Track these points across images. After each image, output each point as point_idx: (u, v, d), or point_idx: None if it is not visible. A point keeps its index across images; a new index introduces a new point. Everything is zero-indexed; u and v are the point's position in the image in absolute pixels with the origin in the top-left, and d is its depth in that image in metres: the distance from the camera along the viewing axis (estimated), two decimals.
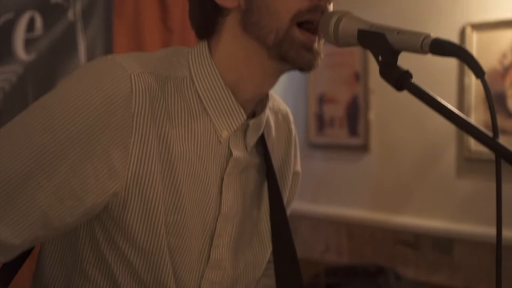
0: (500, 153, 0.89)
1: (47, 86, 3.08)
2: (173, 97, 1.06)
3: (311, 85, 3.57)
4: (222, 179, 1.11)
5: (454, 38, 3.06)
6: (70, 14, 3.14)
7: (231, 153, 1.11)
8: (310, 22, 1.05)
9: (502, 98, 2.86)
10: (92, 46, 3.21)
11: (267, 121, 1.21)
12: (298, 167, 1.31)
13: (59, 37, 3.11)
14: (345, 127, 3.46)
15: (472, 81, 2.95)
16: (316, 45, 1.07)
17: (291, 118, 1.30)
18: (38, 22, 3.04)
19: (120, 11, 3.33)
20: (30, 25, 3.02)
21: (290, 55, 1.06)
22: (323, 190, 3.62)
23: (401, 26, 3.17)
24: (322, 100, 3.54)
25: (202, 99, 1.08)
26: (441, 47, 0.96)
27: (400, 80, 1.02)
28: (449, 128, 2.94)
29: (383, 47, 1.02)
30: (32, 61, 3.04)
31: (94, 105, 0.99)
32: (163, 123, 1.04)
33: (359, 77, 3.35)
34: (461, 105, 3.00)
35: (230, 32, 1.09)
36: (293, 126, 1.29)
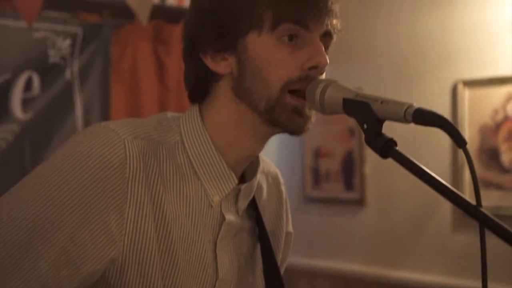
0: (483, 222, 0.90)
1: (44, 144, 3.10)
2: (165, 162, 1.08)
3: (306, 139, 3.59)
4: (215, 244, 1.12)
5: (446, 94, 3.10)
6: (68, 74, 3.18)
7: (223, 218, 1.12)
8: (300, 90, 1.08)
9: (495, 153, 2.89)
10: (89, 105, 3.24)
11: (258, 184, 1.22)
12: (290, 228, 1.32)
13: (56, 96, 3.14)
14: (341, 181, 3.48)
15: (466, 134, 2.97)
16: (306, 109, 1.09)
17: (281, 179, 1.31)
18: (36, 81, 3.08)
19: (117, 70, 3.37)
20: (28, 85, 3.06)
21: (282, 120, 1.08)
22: (319, 244, 3.61)
23: (395, 82, 3.23)
24: (317, 154, 3.56)
25: (193, 163, 1.09)
26: (423, 117, 0.97)
27: (385, 148, 1.03)
28: (446, 182, 2.95)
29: (368, 116, 1.03)
30: (29, 120, 3.07)
31: (89, 172, 1.00)
32: (157, 187, 1.05)
33: (354, 132, 3.38)
34: (454, 160, 3.02)
35: (222, 96, 1.11)
36: (283, 188, 1.30)
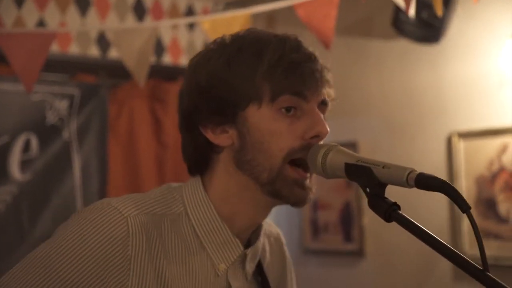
0: (491, 286, 0.91)
1: (42, 205, 3.09)
2: (169, 234, 1.08)
3: None
4: None
5: (441, 146, 3.12)
6: (65, 134, 3.20)
7: (229, 286, 1.12)
8: (302, 159, 1.09)
9: (492, 203, 2.91)
10: (87, 164, 3.26)
11: (262, 245, 1.23)
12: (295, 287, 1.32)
13: (54, 156, 3.16)
14: (339, 233, 3.47)
15: (463, 185, 2.99)
16: (308, 181, 1.11)
17: (283, 240, 1.32)
18: (34, 143, 3.10)
19: (115, 129, 3.40)
20: (26, 146, 3.08)
21: (284, 192, 1.09)
22: None
23: (390, 135, 3.24)
24: (316, 206, 3.57)
25: (198, 233, 1.10)
26: (425, 183, 0.99)
27: (389, 212, 1.05)
28: (444, 232, 2.96)
29: (370, 180, 1.04)
30: (28, 181, 3.08)
31: (91, 250, 1.01)
32: (160, 262, 1.06)
33: (350, 184, 3.39)
34: (452, 210, 3.02)
35: (223, 168, 1.12)
36: (285, 248, 1.31)
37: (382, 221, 3.47)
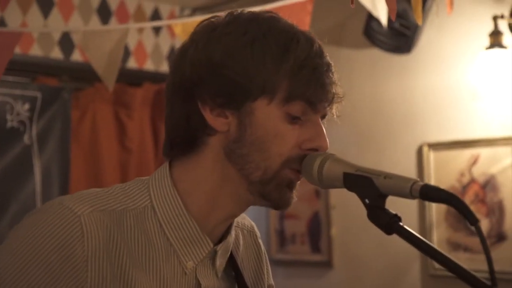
0: None
1: (1, 210, 2.99)
2: (132, 231, 1.02)
3: None
4: None
5: (411, 156, 3.12)
6: (26, 138, 3.10)
7: (199, 284, 1.06)
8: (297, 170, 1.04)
9: None
10: (48, 169, 3.16)
11: (236, 239, 1.17)
12: (271, 280, 1.26)
13: (14, 161, 3.06)
14: (307, 243, 3.44)
15: None
16: (297, 183, 1.06)
17: (258, 232, 1.25)
18: None
19: (77, 133, 3.31)
20: None
21: (273, 195, 1.04)
22: None
23: (359, 146, 3.23)
24: (282, 216, 3.52)
25: (164, 228, 1.03)
26: (431, 195, 0.95)
27: (390, 224, 1.00)
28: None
29: (370, 191, 1.01)
30: None
31: (44, 253, 0.95)
32: (122, 260, 1.00)
33: (320, 194, 3.36)
34: (422, 222, 3.02)
35: (210, 153, 1.04)
36: (260, 241, 1.25)
37: (351, 232, 3.49)
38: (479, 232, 0.91)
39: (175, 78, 1.05)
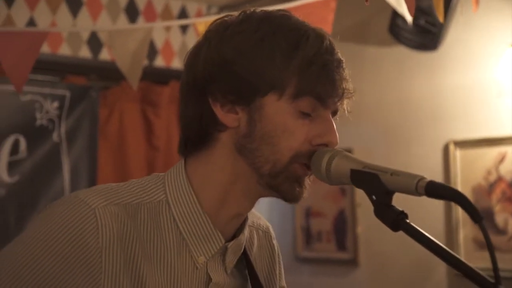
0: None
1: (30, 207, 3.05)
2: (145, 225, 1.04)
3: None
4: None
5: (437, 154, 3.09)
6: (55, 136, 3.15)
7: (210, 278, 1.08)
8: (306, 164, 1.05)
9: (489, 214, 2.88)
10: (76, 166, 3.21)
11: (249, 238, 1.18)
12: (283, 283, 1.27)
13: (43, 158, 3.11)
14: (333, 241, 3.44)
15: None
16: (307, 179, 1.07)
17: (273, 233, 1.26)
18: (22, 144, 3.04)
19: (105, 131, 3.35)
20: (15, 148, 3.02)
21: (283, 187, 1.05)
22: None
23: (386, 143, 3.20)
24: (308, 213, 3.53)
25: (178, 224, 1.05)
26: (436, 191, 0.95)
27: (396, 221, 1.01)
28: (440, 242, 2.92)
29: (377, 187, 1.01)
30: (15, 183, 3.03)
31: (59, 246, 0.98)
32: (135, 253, 1.02)
33: (345, 191, 3.35)
34: (448, 220, 2.99)
35: (221, 149, 1.06)
36: (275, 242, 1.26)
37: (376, 230, 3.47)
38: (483, 229, 0.92)
39: (189, 77, 1.07)
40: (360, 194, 3.35)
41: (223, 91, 1.04)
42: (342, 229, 3.39)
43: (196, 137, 1.07)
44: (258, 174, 1.04)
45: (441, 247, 0.97)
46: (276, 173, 1.04)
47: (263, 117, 1.03)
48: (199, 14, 3.65)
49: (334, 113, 1.09)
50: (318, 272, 3.53)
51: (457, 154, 3.00)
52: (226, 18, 1.09)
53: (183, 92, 1.09)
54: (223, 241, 1.07)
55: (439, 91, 3.10)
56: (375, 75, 3.33)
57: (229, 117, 1.05)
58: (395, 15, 2.92)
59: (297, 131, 1.03)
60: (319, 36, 1.05)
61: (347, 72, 1.07)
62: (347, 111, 1.11)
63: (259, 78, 1.03)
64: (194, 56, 1.07)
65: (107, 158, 3.34)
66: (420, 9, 2.67)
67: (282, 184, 1.04)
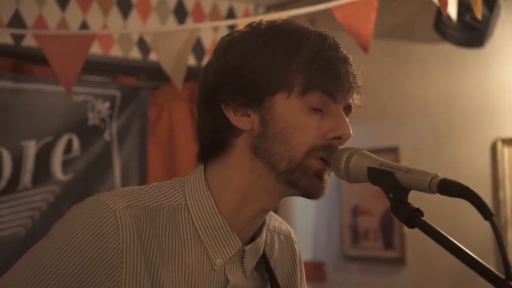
0: None
1: None
2: (164, 227, 1.07)
3: (344, 198, 3.57)
4: None
5: (485, 152, 3.05)
6: (106, 135, 3.25)
7: (227, 281, 1.10)
8: (324, 159, 1.07)
9: None
10: (127, 165, 3.30)
11: (270, 242, 1.21)
12: (304, 286, 1.29)
13: (95, 157, 3.21)
14: (380, 240, 3.42)
15: (507, 192, 2.91)
16: (326, 174, 1.09)
17: (294, 238, 1.29)
18: (76, 143, 3.15)
19: (154, 130, 3.43)
20: (68, 147, 3.13)
21: (301, 183, 1.07)
22: None
23: (433, 141, 3.15)
24: (355, 212, 3.53)
25: (196, 226, 1.08)
26: (448, 189, 0.96)
27: (411, 218, 1.02)
28: (488, 240, 2.88)
29: (393, 185, 1.02)
30: (69, 180, 3.13)
31: (81, 247, 1.01)
32: (153, 254, 1.05)
33: None
34: (497, 219, 2.93)
35: (239, 152, 1.10)
36: (297, 246, 1.28)
37: None
38: (493, 226, 0.92)
39: (201, 89, 1.12)
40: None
41: (233, 96, 1.07)
42: (389, 227, 3.38)
43: (212, 144, 1.11)
44: (275, 172, 1.07)
45: (455, 244, 0.97)
46: (292, 169, 1.06)
47: (274, 116, 1.06)
48: (246, 14, 3.70)
49: (347, 108, 1.11)
50: (366, 271, 3.52)
51: (505, 152, 2.95)
52: (233, 33, 1.13)
53: (197, 104, 1.13)
54: (240, 244, 1.10)
55: (486, 88, 3.06)
56: (421, 73, 3.30)
57: (242, 120, 1.08)
58: (440, 12, 2.89)
59: (309, 126, 1.06)
60: (322, 36, 1.08)
61: (355, 68, 1.09)
62: (359, 106, 1.12)
63: (266, 79, 1.06)
64: (205, 71, 1.12)
65: (157, 156, 3.41)
66: (465, 5, 2.63)
67: (300, 179, 1.07)
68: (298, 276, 1.27)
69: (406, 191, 1.02)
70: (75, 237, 1.02)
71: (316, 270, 3.67)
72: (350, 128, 1.09)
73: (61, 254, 1.02)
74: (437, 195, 0.99)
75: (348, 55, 1.09)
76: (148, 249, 1.05)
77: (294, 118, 1.06)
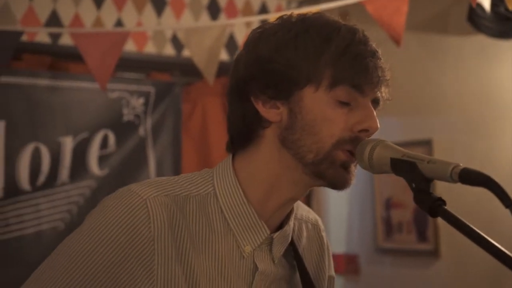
0: None
1: None
2: (194, 215, 1.10)
3: (377, 190, 3.56)
4: None
5: None
6: (141, 131, 3.30)
7: (256, 267, 1.13)
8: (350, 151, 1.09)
9: None
10: (161, 159, 3.35)
11: (298, 231, 1.23)
12: (332, 272, 1.31)
13: (130, 152, 3.27)
14: (413, 232, 3.41)
15: None
16: (353, 165, 1.11)
17: (322, 226, 1.31)
18: (111, 139, 3.21)
19: (188, 126, 3.48)
20: (104, 143, 3.20)
21: (328, 174, 1.09)
22: None
23: (467, 134, 3.12)
24: (389, 205, 3.52)
25: (225, 215, 1.11)
26: (469, 177, 0.97)
27: (433, 207, 1.03)
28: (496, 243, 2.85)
29: (415, 175, 1.04)
30: (105, 175, 3.20)
31: (113, 236, 1.04)
32: (184, 242, 1.08)
33: None
34: None
35: (267, 143, 1.12)
36: (324, 234, 1.30)
37: None
38: None
39: (232, 81, 1.14)
40: (441, 185, 3.31)
41: (263, 88, 1.09)
42: (423, 219, 3.36)
43: (242, 135, 1.13)
44: (302, 163, 1.09)
45: (480, 235, 0.99)
46: (319, 160, 1.08)
47: (303, 109, 1.08)
48: (279, 9, 3.72)
49: (375, 102, 1.12)
50: (399, 264, 3.52)
51: None
52: (264, 25, 1.15)
53: (227, 96, 1.16)
54: (268, 232, 1.12)
55: None
56: (455, 65, 3.28)
57: (271, 112, 1.10)
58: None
59: (337, 119, 1.07)
60: (351, 29, 1.10)
61: (383, 62, 1.11)
62: (387, 99, 1.13)
63: (295, 72, 1.08)
64: (236, 64, 1.14)
65: (190, 151, 3.46)
66: None
67: (327, 170, 1.08)
68: (326, 263, 1.29)
69: (428, 181, 1.03)
70: (108, 227, 1.05)
71: (349, 262, 3.68)
72: (378, 120, 1.10)
73: (94, 243, 1.05)
74: (471, 188, 1.00)
75: (377, 49, 1.11)
76: (179, 237, 1.07)
77: (322, 111, 1.08)
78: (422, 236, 3.38)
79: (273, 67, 1.09)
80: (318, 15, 1.13)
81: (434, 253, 3.32)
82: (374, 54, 1.09)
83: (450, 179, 1.00)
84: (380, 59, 1.10)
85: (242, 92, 1.12)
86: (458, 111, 3.28)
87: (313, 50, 1.08)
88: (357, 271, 3.68)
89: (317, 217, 1.31)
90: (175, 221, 1.08)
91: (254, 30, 1.15)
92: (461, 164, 0.99)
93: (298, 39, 1.09)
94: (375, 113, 1.10)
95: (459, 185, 1.03)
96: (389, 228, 3.52)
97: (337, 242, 3.63)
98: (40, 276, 1.07)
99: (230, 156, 1.16)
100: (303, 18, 1.12)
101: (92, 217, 1.08)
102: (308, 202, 3.50)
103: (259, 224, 1.12)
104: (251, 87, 1.11)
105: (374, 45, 1.11)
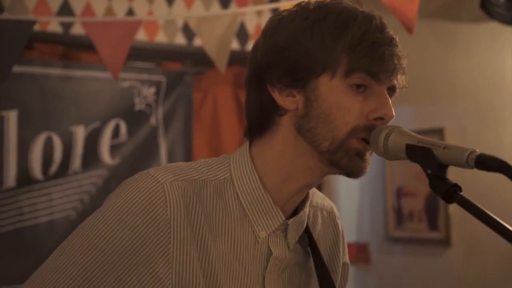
0: None
1: None
2: (210, 200, 1.11)
3: (388, 179, 3.56)
4: (264, 278, 1.14)
5: None
6: (153, 120, 3.31)
7: (271, 252, 1.14)
8: (365, 139, 1.10)
9: None
10: (173, 149, 3.36)
11: (313, 218, 1.24)
12: (347, 259, 1.32)
13: (142, 141, 3.28)
14: (424, 221, 3.42)
15: None
16: (368, 153, 1.11)
17: (337, 213, 1.32)
18: (123, 128, 3.23)
19: (199, 115, 3.48)
20: (115, 132, 3.21)
21: (343, 162, 1.10)
22: (403, 285, 3.53)
23: (479, 122, 3.12)
24: (400, 193, 3.52)
25: (241, 199, 1.12)
26: (485, 163, 0.97)
27: (449, 193, 1.03)
28: None
29: (431, 161, 1.03)
30: (117, 164, 3.21)
31: (131, 218, 1.06)
32: (200, 225, 1.09)
33: None
34: None
35: (283, 131, 1.13)
36: (339, 221, 1.31)
37: None
38: None
39: (249, 69, 1.15)
40: (453, 173, 3.31)
41: (279, 76, 1.10)
42: (434, 208, 3.36)
43: (259, 122, 1.14)
44: (318, 151, 1.10)
45: (496, 220, 0.97)
46: (334, 148, 1.08)
47: (319, 97, 1.09)
48: None
49: (391, 89, 1.12)
50: (410, 252, 3.52)
51: None
52: (282, 13, 1.15)
53: (246, 83, 1.17)
54: (283, 218, 1.13)
55: None
56: (467, 53, 3.27)
57: (288, 100, 1.11)
58: None
59: (352, 107, 1.08)
60: (368, 17, 1.09)
61: (400, 49, 1.10)
62: (403, 87, 1.13)
63: (311, 61, 1.08)
64: (253, 51, 1.15)
65: (202, 140, 3.46)
66: None
67: (342, 159, 1.09)
68: (341, 251, 1.30)
69: (444, 167, 1.03)
70: (126, 209, 1.06)
71: (360, 251, 3.69)
72: (393, 108, 1.10)
73: (112, 225, 1.06)
74: (487, 174, 1.00)
75: (394, 36, 1.11)
76: (195, 221, 1.09)
77: (338, 99, 1.08)
78: (433, 224, 3.38)
79: (289, 56, 1.09)
80: (335, 2, 1.12)
81: (445, 242, 3.32)
82: (390, 41, 1.09)
83: (466, 165, 0.99)
84: (397, 46, 1.10)
85: (259, 80, 1.13)
86: (469, 99, 3.27)
87: (329, 38, 1.08)
88: (368, 260, 3.69)
89: (333, 205, 1.32)
90: (191, 205, 1.09)
91: (272, 17, 1.15)
92: (476, 150, 0.99)
93: (314, 27, 1.09)
94: (390, 101, 1.10)
95: (471, 171, 1.03)
96: (400, 217, 3.53)
97: (348, 230, 3.60)
98: (59, 256, 1.08)
99: (248, 143, 1.17)
100: (320, 5, 1.12)
101: (111, 200, 1.10)
102: (319, 190, 3.50)
103: (274, 210, 1.13)
104: (267, 75, 1.11)
105: (391, 33, 1.11)
